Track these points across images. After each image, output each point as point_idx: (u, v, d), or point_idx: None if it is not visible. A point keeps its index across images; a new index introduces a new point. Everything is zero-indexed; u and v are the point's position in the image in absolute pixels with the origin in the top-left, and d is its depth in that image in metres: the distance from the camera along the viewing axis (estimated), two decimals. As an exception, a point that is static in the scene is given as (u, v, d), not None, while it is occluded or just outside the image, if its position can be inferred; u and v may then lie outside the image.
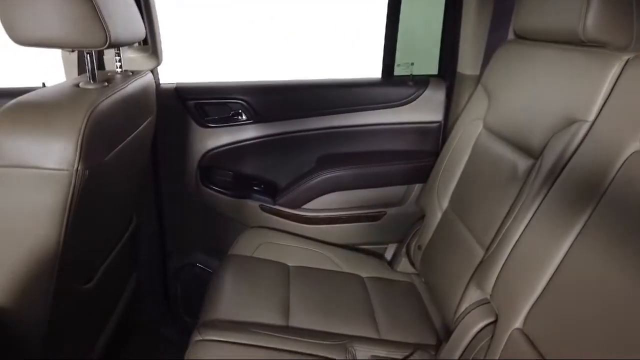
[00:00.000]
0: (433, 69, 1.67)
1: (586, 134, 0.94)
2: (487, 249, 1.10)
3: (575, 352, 0.78)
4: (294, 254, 1.51)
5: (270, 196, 1.65)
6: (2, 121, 0.85)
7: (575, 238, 0.86)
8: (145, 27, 1.21)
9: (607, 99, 0.92)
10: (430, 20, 1.61)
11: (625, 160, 0.83)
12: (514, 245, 1.00)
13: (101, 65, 1.36)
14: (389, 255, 1.70)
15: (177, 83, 1.56)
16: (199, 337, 1.06)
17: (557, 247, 0.89)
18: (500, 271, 1.02)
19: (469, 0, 1.45)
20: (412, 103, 1.63)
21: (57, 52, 1.39)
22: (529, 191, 1.02)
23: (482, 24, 1.46)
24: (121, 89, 1.03)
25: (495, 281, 1.02)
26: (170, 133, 1.57)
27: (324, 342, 1.11)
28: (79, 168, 0.86)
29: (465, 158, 1.38)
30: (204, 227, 1.65)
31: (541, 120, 1.07)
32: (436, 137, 1.65)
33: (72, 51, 1.29)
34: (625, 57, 0.92)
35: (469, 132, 1.39)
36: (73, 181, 0.87)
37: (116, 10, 0.95)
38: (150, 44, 1.40)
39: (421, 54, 1.67)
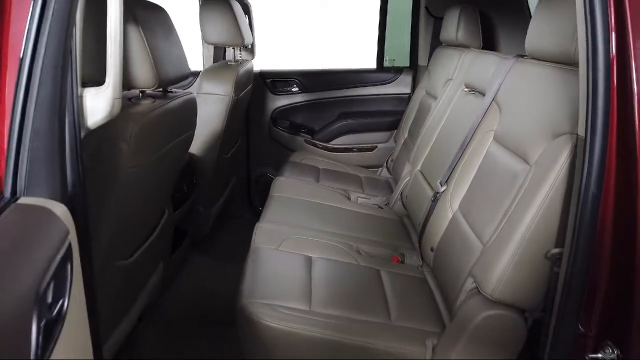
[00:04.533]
0: (406, 62, 2.86)
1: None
2: (415, 141, 2.26)
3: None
4: (322, 163, 2.70)
5: (310, 135, 2.87)
6: (204, 76, 2.10)
7: None
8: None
9: (455, 74, 2.10)
10: (404, 33, 2.82)
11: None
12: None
13: (223, 55, 2.63)
14: (383, 173, 2.86)
15: (260, 70, 2.81)
16: (277, 178, 2.28)
17: None
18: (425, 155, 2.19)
19: (421, 23, 2.65)
20: (393, 82, 2.83)
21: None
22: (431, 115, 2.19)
23: (428, 35, 2.65)
24: (245, 66, 2.28)
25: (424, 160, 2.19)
26: (257, 97, 2.81)
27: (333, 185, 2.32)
28: (232, 95, 2.10)
29: (415, 110, 2.55)
30: (272, 152, 2.88)
31: (442, 79, 2.25)
32: (406, 102, 2.83)
33: (229, 47, 2.52)
34: (467, 51, 2.09)
35: (419, 96, 2.57)
36: (230, 101, 2.10)
37: (244, 27, 2.20)
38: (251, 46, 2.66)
39: (400, 52, 2.86)
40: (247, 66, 2.33)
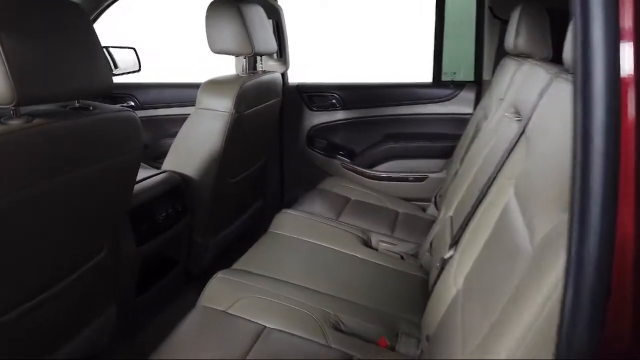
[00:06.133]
0: (471, 76, 2.33)
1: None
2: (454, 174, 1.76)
3: None
4: (357, 194, 2.28)
5: (349, 158, 2.47)
6: (203, 88, 1.83)
7: None
8: (277, 44, 2.16)
9: (507, 92, 1.57)
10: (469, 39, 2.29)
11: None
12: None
13: (255, 67, 2.34)
14: (430, 210, 2.36)
15: (298, 82, 2.49)
16: (283, 211, 1.92)
17: None
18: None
19: (485, 28, 2.12)
20: (452, 100, 2.32)
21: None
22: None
23: (493, 42, 2.11)
24: (258, 77, 1.97)
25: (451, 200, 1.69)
26: (292, 113, 2.49)
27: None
28: (233, 112, 1.80)
29: (472, 133, 2.03)
30: (308, 174, 2.53)
31: (496, 98, 1.73)
32: (467, 124, 2.30)
33: (237, 57, 2.24)
34: (525, 62, 1.55)
35: (476, 118, 2.04)
36: (230, 118, 1.80)
37: (258, 35, 1.89)
38: (282, 56, 2.35)
39: (465, 63, 2.34)
40: (263, 78, 2.02)
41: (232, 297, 1.33)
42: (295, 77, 2.50)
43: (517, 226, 0.87)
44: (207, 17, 1.87)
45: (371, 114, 2.43)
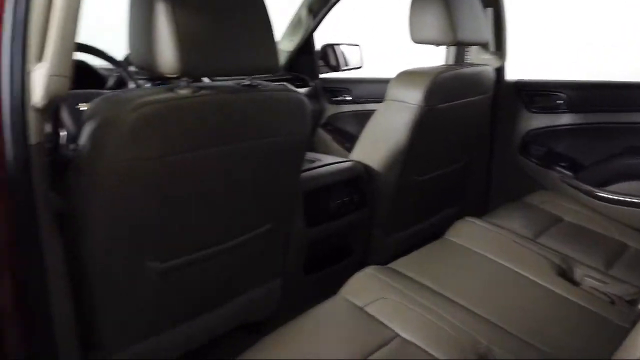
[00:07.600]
0: None
1: None
2: None
3: None
4: (574, 215, 1.86)
5: (571, 171, 2.04)
6: (395, 79, 1.75)
7: None
8: (495, 35, 1.93)
9: None
10: None
11: None
12: None
13: (461, 59, 2.14)
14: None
15: (517, 79, 2.18)
16: (465, 219, 1.70)
17: None
18: None
19: None
20: None
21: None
22: None
23: None
24: (458, 69, 1.79)
25: None
26: (506, 113, 2.20)
27: None
28: (422, 105, 1.67)
29: None
30: (515, 184, 2.19)
31: None
32: None
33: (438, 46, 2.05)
34: None
35: None
36: (419, 111, 1.68)
37: (465, 24, 1.71)
38: (500, 49, 2.09)
39: None
40: (466, 71, 1.82)
41: (373, 294, 1.23)
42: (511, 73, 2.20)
43: None
44: (411, 5, 1.79)
45: (608, 120, 1.95)
